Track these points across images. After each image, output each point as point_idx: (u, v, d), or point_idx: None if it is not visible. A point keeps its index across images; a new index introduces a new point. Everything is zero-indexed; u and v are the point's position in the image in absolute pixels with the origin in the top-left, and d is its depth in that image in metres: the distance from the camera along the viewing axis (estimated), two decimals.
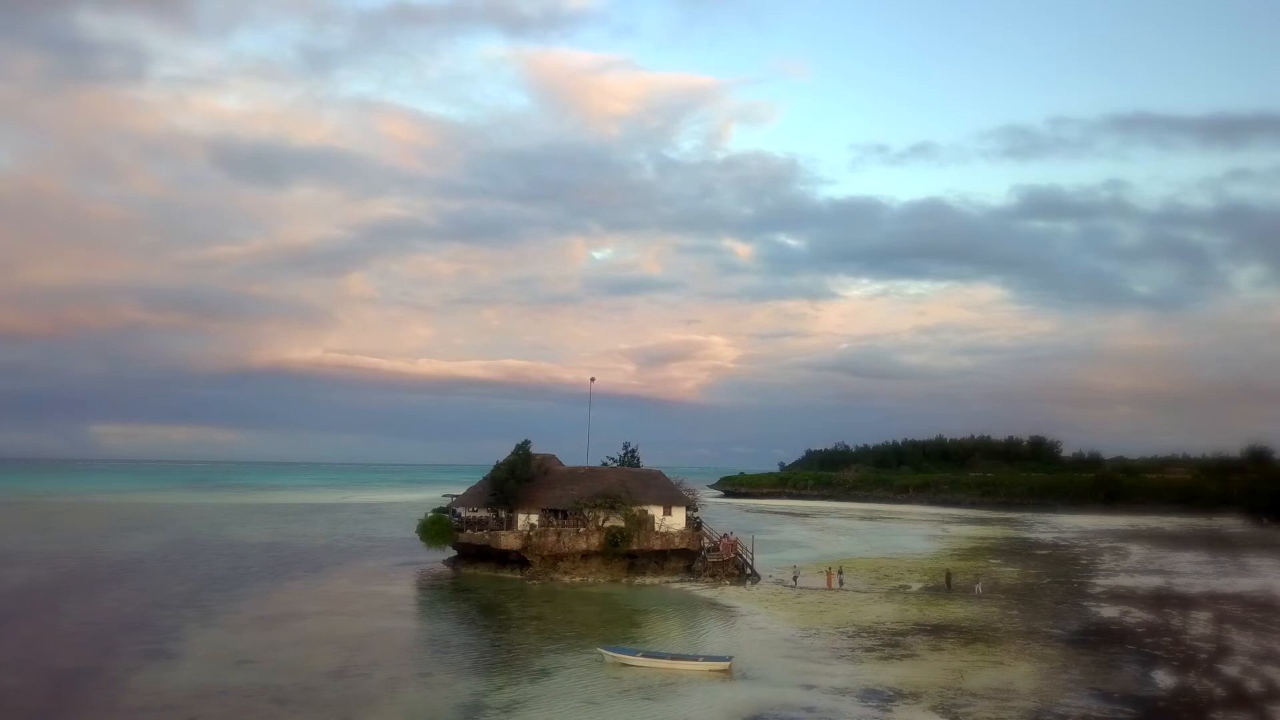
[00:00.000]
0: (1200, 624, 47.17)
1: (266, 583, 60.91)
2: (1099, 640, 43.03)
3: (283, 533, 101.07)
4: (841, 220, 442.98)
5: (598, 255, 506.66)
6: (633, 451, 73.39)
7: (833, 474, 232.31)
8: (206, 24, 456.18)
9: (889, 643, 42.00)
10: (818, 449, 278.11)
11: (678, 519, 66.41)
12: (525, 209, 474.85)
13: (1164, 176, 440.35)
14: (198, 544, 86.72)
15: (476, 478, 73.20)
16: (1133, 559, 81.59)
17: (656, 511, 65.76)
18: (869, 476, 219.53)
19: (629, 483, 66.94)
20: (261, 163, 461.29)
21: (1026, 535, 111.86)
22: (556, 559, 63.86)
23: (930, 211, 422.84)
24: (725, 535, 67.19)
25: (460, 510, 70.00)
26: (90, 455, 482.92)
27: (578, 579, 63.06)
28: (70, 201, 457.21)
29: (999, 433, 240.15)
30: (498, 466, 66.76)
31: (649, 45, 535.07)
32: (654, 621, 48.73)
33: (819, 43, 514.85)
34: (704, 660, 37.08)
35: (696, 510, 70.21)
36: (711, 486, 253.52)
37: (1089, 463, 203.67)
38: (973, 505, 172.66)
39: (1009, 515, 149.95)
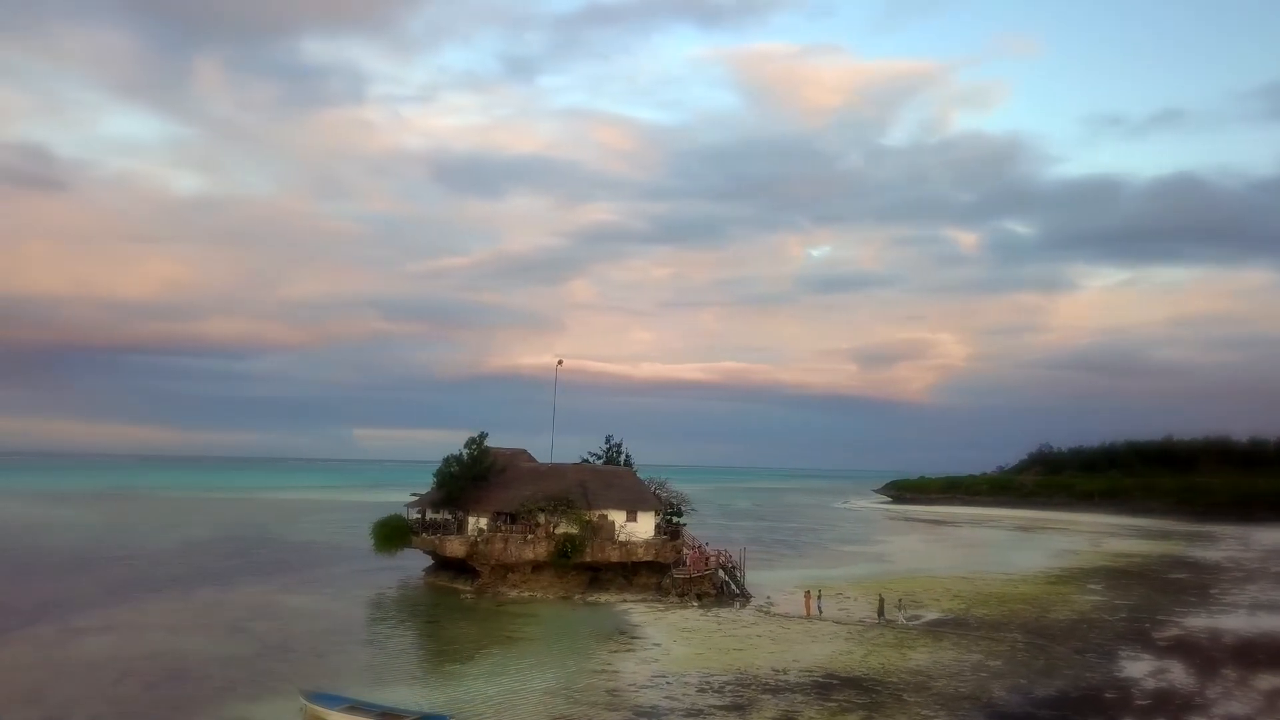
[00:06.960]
0: (1250, 697, 32.10)
1: (184, 586, 56.44)
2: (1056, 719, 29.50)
3: (341, 532, 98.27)
4: (1074, 202, 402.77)
5: (815, 253, 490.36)
6: (617, 447, 63.22)
7: (1012, 478, 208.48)
8: (415, 41, 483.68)
9: (738, 702, 30.53)
10: (1040, 451, 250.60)
11: (644, 526, 56.13)
12: (727, 206, 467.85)
13: None
14: (230, 540, 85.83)
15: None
16: None
17: (618, 517, 55.84)
18: (1048, 481, 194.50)
19: (589, 483, 57.37)
20: (476, 174, 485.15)
21: (1190, 554, 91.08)
22: (506, 569, 55.38)
23: (1181, 188, 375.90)
24: (698, 546, 56.15)
25: (428, 511, 62.95)
26: (350, 456, 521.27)
27: (525, 594, 54.34)
28: (313, 221, 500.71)
29: (1246, 433, 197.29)
30: (446, 461, 59.04)
31: (853, 29, 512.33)
32: (509, 650, 39.04)
33: (1043, 8, 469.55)
34: None
35: (682, 516, 59.53)
36: (877, 491, 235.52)
37: None
38: (1165, 515, 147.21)
39: (1200, 528, 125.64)
